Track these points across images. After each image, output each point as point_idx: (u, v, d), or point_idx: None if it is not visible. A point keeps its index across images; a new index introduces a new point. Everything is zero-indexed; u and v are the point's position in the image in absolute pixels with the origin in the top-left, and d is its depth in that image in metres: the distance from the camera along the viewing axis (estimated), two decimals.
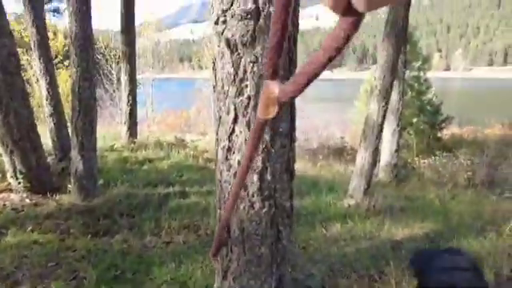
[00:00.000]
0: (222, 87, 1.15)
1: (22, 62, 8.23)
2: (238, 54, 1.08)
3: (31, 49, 4.89)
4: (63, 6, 16.99)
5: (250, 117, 1.13)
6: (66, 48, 11.88)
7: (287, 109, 1.21)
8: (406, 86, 10.70)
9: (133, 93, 7.32)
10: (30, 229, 3.16)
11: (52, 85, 4.92)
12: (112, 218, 3.57)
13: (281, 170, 1.21)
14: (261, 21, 1.03)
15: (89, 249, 2.92)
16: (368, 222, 3.78)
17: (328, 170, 7.51)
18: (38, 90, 9.42)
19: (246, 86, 1.09)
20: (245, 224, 1.21)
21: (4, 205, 3.67)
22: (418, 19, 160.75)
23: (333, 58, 0.38)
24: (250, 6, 1.04)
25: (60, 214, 3.52)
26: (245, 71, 1.09)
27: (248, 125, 1.14)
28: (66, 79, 11.64)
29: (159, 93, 16.37)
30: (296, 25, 1.15)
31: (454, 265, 1.44)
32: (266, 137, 1.15)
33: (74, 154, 3.91)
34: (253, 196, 1.18)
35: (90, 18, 3.99)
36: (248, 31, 1.05)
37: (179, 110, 16.85)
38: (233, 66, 1.10)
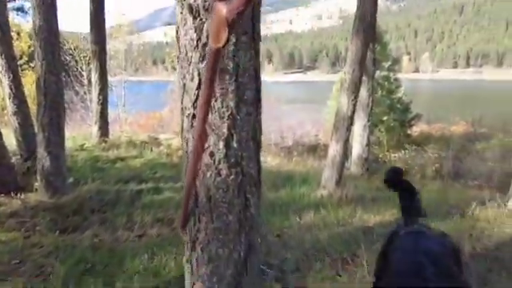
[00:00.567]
0: (186, 54, 1.16)
1: None
2: (201, 19, 1.09)
3: None
4: (28, 4, 16.29)
5: None
6: (32, 49, 11.42)
7: (252, 78, 1.22)
8: (377, 85, 11.09)
9: (103, 92, 7.13)
10: None
11: (15, 82, 4.70)
12: (82, 214, 3.45)
13: (247, 137, 1.22)
14: None
15: (56, 245, 2.80)
16: (340, 211, 3.87)
17: (303, 165, 7.63)
18: (2, 92, 8.96)
19: None
20: (212, 192, 1.21)
21: None
22: (388, 24, 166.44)
23: None
24: None
25: (25, 212, 3.37)
26: (207, 36, 1.10)
27: None
28: (31, 81, 11.16)
29: (132, 95, 15.97)
30: None
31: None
32: (231, 103, 1.16)
33: (41, 150, 3.76)
34: (219, 163, 1.19)
35: (55, 10, 3.87)
36: None
37: (152, 111, 16.57)
38: (195, 31, 1.11)
